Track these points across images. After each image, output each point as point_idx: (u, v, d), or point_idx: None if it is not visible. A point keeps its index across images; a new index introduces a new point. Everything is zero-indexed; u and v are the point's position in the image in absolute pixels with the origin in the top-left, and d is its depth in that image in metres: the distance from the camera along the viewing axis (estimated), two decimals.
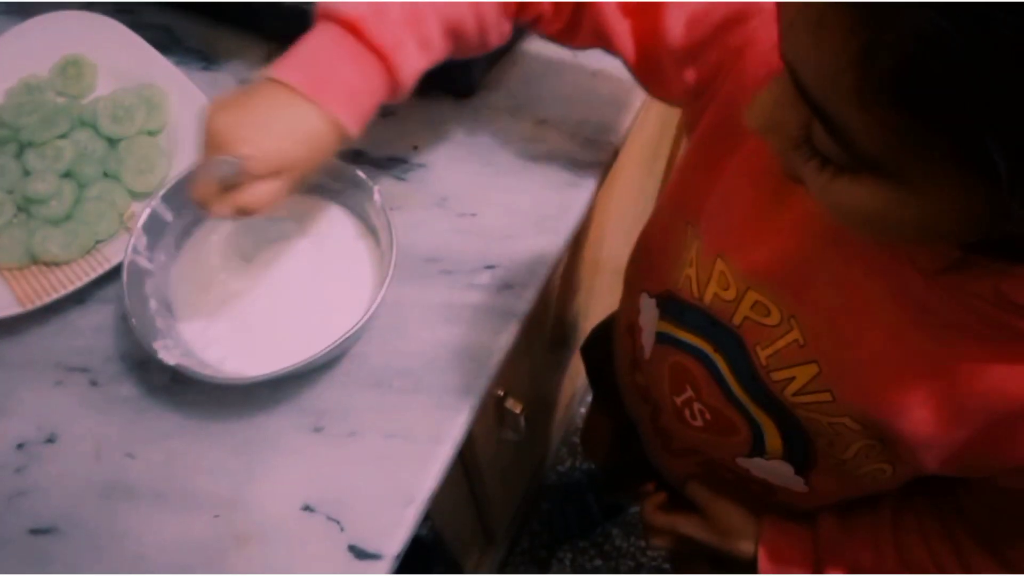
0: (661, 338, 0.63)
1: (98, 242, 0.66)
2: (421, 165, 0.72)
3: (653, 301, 0.63)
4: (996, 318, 0.39)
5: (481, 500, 1.04)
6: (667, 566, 1.44)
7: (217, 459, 0.60)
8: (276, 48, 0.78)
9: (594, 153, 0.71)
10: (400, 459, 0.59)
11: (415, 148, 0.72)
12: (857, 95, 0.30)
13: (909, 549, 0.58)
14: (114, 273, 0.63)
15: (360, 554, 0.56)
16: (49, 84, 0.73)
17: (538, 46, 0.78)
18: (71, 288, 0.63)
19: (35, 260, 0.65)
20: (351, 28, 0.53)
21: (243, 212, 0.53)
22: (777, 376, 0.52)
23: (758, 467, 0.61)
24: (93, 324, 0.65)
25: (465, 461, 0.85)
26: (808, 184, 0.38)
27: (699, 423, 0.63)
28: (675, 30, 0.54)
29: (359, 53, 0.53)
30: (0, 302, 0.62)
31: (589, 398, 1.53)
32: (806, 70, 0.33)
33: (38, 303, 0.62)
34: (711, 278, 0.54)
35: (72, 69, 0.74)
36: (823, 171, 0.36)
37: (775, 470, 0.59)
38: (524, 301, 0.64)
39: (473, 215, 0.69)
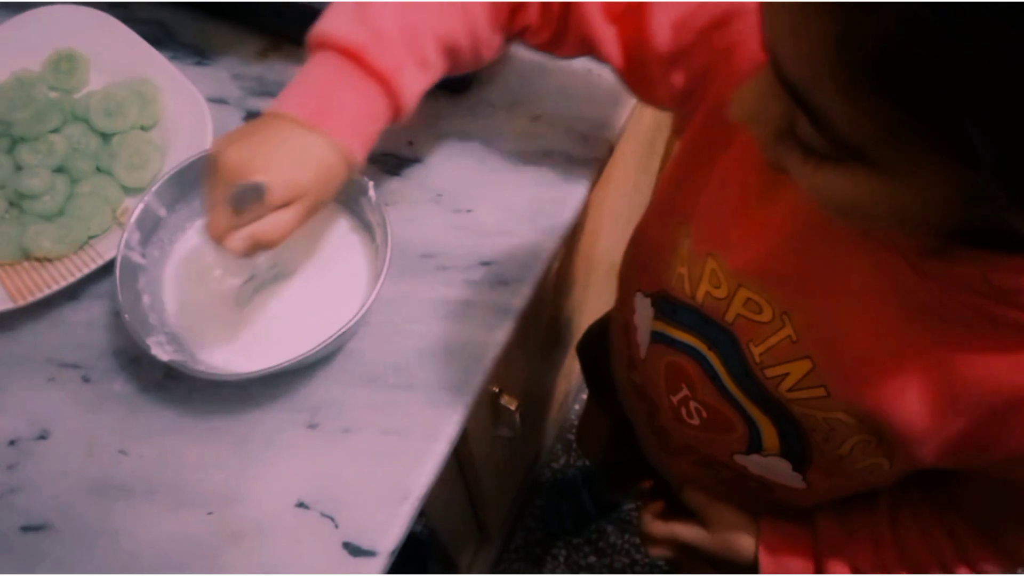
0: (656, 337, 0.63)
1: (91, 237, 0.66)
2: (416, 161, 0.71)
3: (648, 300, 0.63)
4: (986, 308, 0.40)
5: (476, 496, 1.04)
6: (662, 563, 1.44)
7: (211, 456, 0.59)
8: (270, 43, 0.78)
9: (590, 149, 0.71)
10: (395, 456, 0.59)
11: (410, 144, 0.72)
12: (837, 82, 0.30)
13: (908, 543, 0.58)
14: (107, 269, 0.63)
15: (355, 551, 0.56)
16: (41, 79, 0.73)
17: None
18: (64, 284, 0.63)
19: (27, 256, 0.65)
20: (351, 55, 0.53)
21: (261, 245, 0.52)
22: (771, 373, 0.52)
23: (756, 464, 0.61)
24: (86, 320, 0.65)
25: (460, 457, 0.85)
26: (793, 174, 0.38)
27: (696, 421, 0.63)
28: (661, 35, 0.54)
29: (361, 80, 0.53)
30: None
31: (584, 395, 1.53)
32: (787, 58, 0.33)
33: (30, 299, 0.62)
34: (703, 276, 0.54)
35: (65, 64, 0.73)
36: (807, 161, 0.36)
37: (772, 467, 0.59)
38: (519, 297, 0.64)
39: (468, 211, 0.69)
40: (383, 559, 0.55)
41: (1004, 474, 0.49)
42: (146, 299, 0.60)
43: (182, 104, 0.70)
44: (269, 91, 0.75)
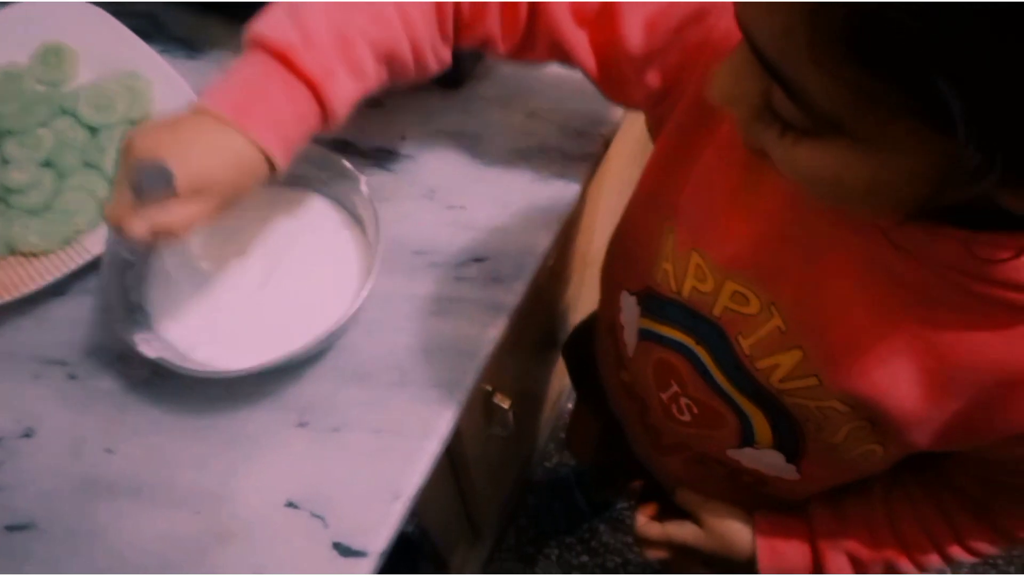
0: (643, 335, 0.62)
1: (78, 233, 0.65)
2: (409, 156, 0.71)
3: (634, 299, 0.63)
4: (970, 287, 0.40)
5: (468, 496, 1.04)
6: (655, 563, 1.44)
7: (199, 454, 0.59)
8: None
9: (585, 145, 0.71)
10: (386, 455, 0.58)
11: (403, 139, 0.71)
12: (811, 51, 0.31)
13: (902, 525, 0.59)
14: (94, 264, 0.62)
15: (345, 551, 0.55)
16: (29, 72, 0.72)
17: None
18: (50, 279, 0.62)
19: (13, 251, 0.64)
20: (280, 57, 0.52)
21: (163, 234, 0.50)
22: (761, 364, 0.52)
23: (749, 457, 0.60)
24: (72, 316, 0.64)
25: (452, 456, 0.84)
26: (771, 153, 0.38)
27: (687, 418, 0.62)
28: (633, 36, 0.53)
29: (288, 82, 0.52)
30: None
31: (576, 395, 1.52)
32: (760, 32, 0.33)
33: (16, 294, 0.61)
34: (688, 272, 0.54)
35: (53, 57, 0.72)
36: (784, 137, 0.36)
37: (766, 459, 0.59)
38: (513, 295, 0.64)
39: (462, 207, 0.68)
40: (373, 560, 0.55)
41: (998, 454, 0.49)
42: (133, 295, 0.59)
43: (172, 98, 0.69)
44: None
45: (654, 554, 0.73)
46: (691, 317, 0.55)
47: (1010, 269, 0.38)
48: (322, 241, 0.63)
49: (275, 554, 0.55)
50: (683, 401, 0.61)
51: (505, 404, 0.77)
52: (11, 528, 0.57)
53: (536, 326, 0.93)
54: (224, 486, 0.57)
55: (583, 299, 1.14)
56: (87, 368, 0.62)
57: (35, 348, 0.63)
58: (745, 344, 0.52)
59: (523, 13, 0.57)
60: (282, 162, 0.53)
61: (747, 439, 0.58)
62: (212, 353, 0.59)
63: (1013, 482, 0.52)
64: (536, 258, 0.65)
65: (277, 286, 0.62)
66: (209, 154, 0.50)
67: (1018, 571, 1.36)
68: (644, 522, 0.73)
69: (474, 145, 0.71)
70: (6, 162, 0.66)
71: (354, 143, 0.71)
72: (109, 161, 0.67)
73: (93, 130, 0.69)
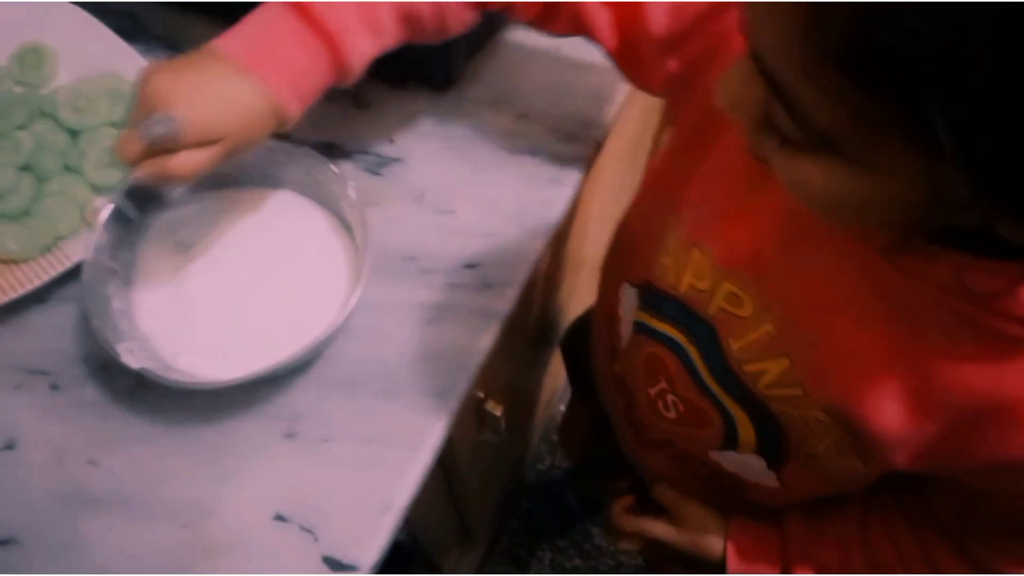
0: (638, 328, 0.62)
1: (58, 239, 0.63)
2: (397, 160, 0.69)
3: (634, 291, 0.62)
4: (965, 313, 0.39)
5: (460, 501, 1.03)
6: (642, 563, 1.43)
7: (184, 466, 0.57)
8: None
9: (576, 148, 0.70)
10: (377, 466, 0.57)
11: (392, 142, 0.70)
12: (806, 67, 0.31)
13: (876, 550, 0.58)
14: (75, 272, 0.60)
15: (335, 565, 0.54)
16: (7, 73, 0.70)
17: (519, 37, 0.76)
18: (30, 287, 0.60)
19: None
20: (297, 7, 0.52)
21: (167, 177, 0.50)
22: (749, 368, 0.51)
23: (730, 461, 0.60)
24: (54, 325, 0.62)
25: (444, 464, 0.83)
26: (771, 163, 0.38)
27: (672, 415, 0.62)
28: (657, 19, 0.53)
29: (304, 33, 0.52)
30: None
31: (569, 395, 1.51)
32: (760, 43, 0.33)
33: None
34: (687, 268, 0.53)
35: (31, 57, 0.71)
36: (782, 149, 0.36)
37: (747, 464, 0.59)
38: (505, 301, 0.63)
39: (452, 212, 0.67)
40: (365, 573, 0.54)
41: (975, 483, 0.48)
42: (116, 304, 0.58)
43: None
44: None
45: (625, 545, 0.73)
46: (686, 314, 0.55)
47: (1006, 300, 0.38)
48: (309, 247, 0.62)
49: (264, 569, 0.54)
50: (670, 398, 0.61)
51: (497, 411, 0.76)
52: None
53: (528, 329, 0.92)
54: (211, 499, 0.56)
55: (576, 300, 1.13)
56: (70, 378, 0.61)
57: (16, 358, 0.61)
58: (735, 346, 0.52)
59: None
60: (295, 113, 0.53)
61: (730, 441, 0.58)
62: (198, 362, 0.58)
63: (989, 514, 0.52)
64: (528, 264, 0.64)
65: (264, 294, 0.60)
66: (220, 102, 0.50)
67: None
68: (619, 513, 0.73)
69: (464, 148, 0.70)
70: None
71: (341, 146, 0.70)
72: (90, 165, 0.66)
73: (73, 133, 0.67)
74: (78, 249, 0.62)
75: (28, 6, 0.71)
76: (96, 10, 0.71)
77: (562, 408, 1.56)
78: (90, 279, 0.56)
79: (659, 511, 0.70)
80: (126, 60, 0.69)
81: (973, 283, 0.38)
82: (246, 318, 0.59)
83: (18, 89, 0.69)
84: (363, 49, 0.54)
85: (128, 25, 0.76)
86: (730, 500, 0.65)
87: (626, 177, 1.08)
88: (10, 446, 0.58)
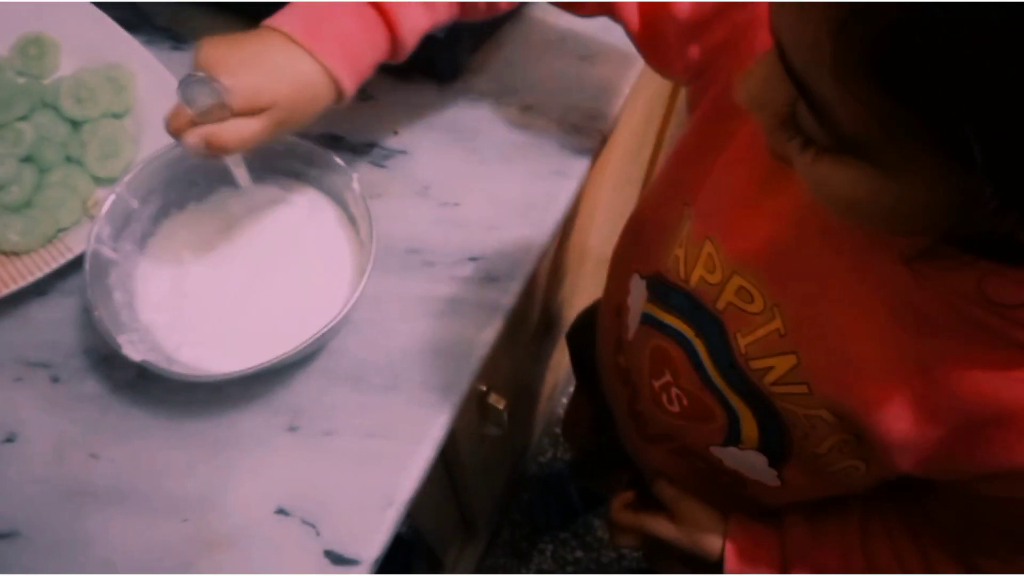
0: (645, 319, 0.62)
1: (60, 230, 0.63)
2: (402, 152, 0.69)
3: (644, 282, 0.62)
4: (979, 319, 0.39)
5: (461, 494, 1.03)
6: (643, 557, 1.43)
7: (186, 460, 0.57)
8: (248, 26, 0.74)
9: (582, 141, 0.69)
10: (379, 460, 0.56)
11: (396, 134, 0.70)
12: (835, 69, 0.30)
13: (875, 554, 0.58)
14: (77, 263, 0.60)
15: (337, 559, 0.53)
16: (9, 64, 0.70)
17: (525, 29, 0.75)
18: (31, 279, 0.60)
19: None
20: None
21: (215, 147, 0.50)
22: (756, 365, 0.51)
23: (731, 457, 0.60)
24: (55, 317, 0.62)
25: (446, 457, 0.83)
26: (793, 164, 0.37)
27: (676, 408, 0.62)
28: (682, 3, 0.53)
29: (359, 7, 0.52)
30: None
31: (571, 388, 1.51)
32: (790, 42, 0.33)
33: None
34: (698, 260, 0.53)
35: (33, 48, 0.70)
36: (806, 151, 0.36)
37: (748, 461, 0.58)
38: (509, 294, 0.62)
39: (456, 204, 0.66)
40: (367, 568, 0.53)
41: (978, 490, 0.48)
42: (118, 295, 0.58)
43: (156, 91, 0.67)
44: None
45: (624, 541, 0.73)
46: (694, 307, 0.55)
47: (1019, 308, 0.37)
48: (313, 239, 0.61)
49: (265, 562, 0.54)
50: (674, 391, 0.61)
51: (500, 405, 0.76)
52: None
53: (531, 323, 0.92)
54: (213, 492, 0.56)
55: (580, 293, 1.13)
56: (71, 370, 0.60)
57: (17, 350, 0.61)
58: (743, 342, 0.51)
59: None
60: (350, 87, 0.53)
61: (732, 438, 0.58)
62: (200, 355, 0.58)
63: (993, 523, 0.51)
64: (532, 257, 0.64)
65: (267, 286, 0.60)
66: (269, 72, 0.50)
67: None
68: (618, 508, 0.72)
69: (469, 140, 0.69)
70: None
71: (345, 138, 0.69)
72: (91, 156, 0.65)
73: (75, 124, 0.67)
74: (80, 240, 0.61)
75: None
76: (99, 1, 0.71)
77: (564, 401, 1.55)
78: (91, 270, 0.56)
79: (659, 508, 0.70)
80: (128, 50, 0.69)
81: (994, 293, 0.37)
82: (248, 311, 0.59)
83: (20, 80, 0.69)
84: (418, 23, 0.54)
85: (131, 15, 0.75)
86: (729, 497, 0.65)
87: (631, 170, 1.08)
88: (11, 439, 0.58)
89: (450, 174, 0.68)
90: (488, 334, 0.61)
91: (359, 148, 0.69)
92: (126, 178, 0.58)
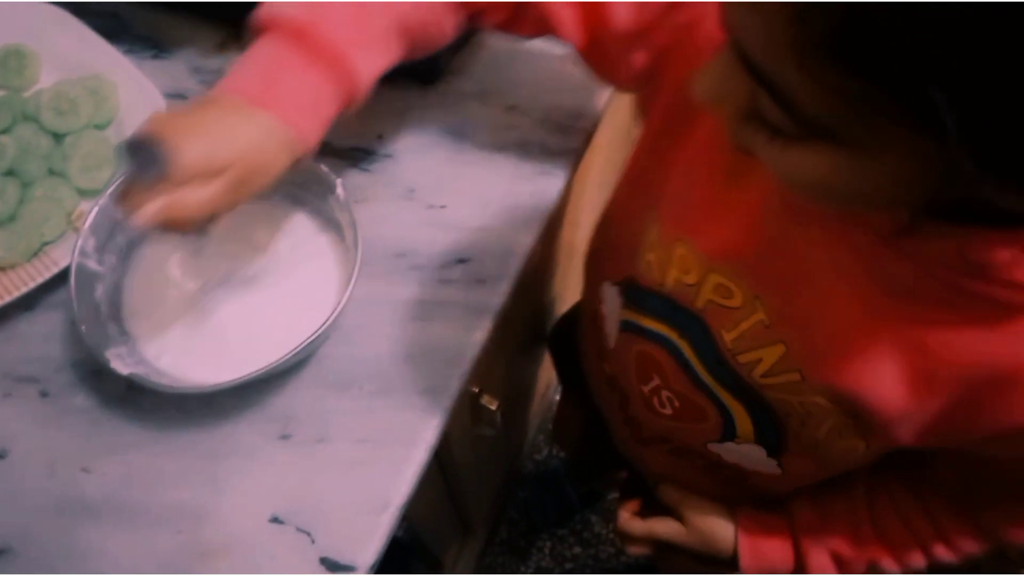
0: (625, 326, 0.61)
1: (45, 244, 0.63)
2: (386, 155, 0.69)
3: (616, 289, 0.62)
4: (961, 285, 0.39)
5: (457, 495, 1.03)
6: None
7: (179, 471, 0.57)
8: (230, 34, 0.75)
9: (566, 139, 0.69)
10: (372, 465, 0.56)
11: (379, 137, 0.70)
12: (796, 58, 0.30)
13: (886, 524, 0.58)
14: (63, 277, 0.60)
15: (333, 567, 0.53)
16: None
17: None
18: (17, 294, 0.60)
19: None
20: (299, 35, 0.50)
21: (176, 219, 0.47)
22: (743, 359, 0.51)
23: (730, 452, 0.60)
24: (42, 331, 0.62)
25: (441, 459, 0.82)
26: (760, 155, 0.37)
27: (668, 411, 0.62)
28: (621, 14, 0.53)
29: (309, 61, 0.51)
30: None
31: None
32: (746, 36, 0.33)
33: None
34: (671, 262, 0.53)
35: (13, 60, 0.70)
36: (773, 141, 0.35)
37: (747, 454, 0.58)
38: (498, 295, 0.62)
39: (442, 207, 0.66)
40: (363, 574, 0.53)
41: (981, 452, 0.48)
42: (104, 309, 0.57)
43: (138, 100, 0.67)
44: None
45: (636, 550, 0.73)
46: (673, 309, 0.54)
47: (1007, 269, 0.37)
48: (299, 247, 0.61)
49: (261, 571, 0.54)
50: (664, 394, 0.61)
51: (493, 405, 0.76)
52: None
53: (522, 322, 0.92)
54: (206, 503, 0.56)
55: (569, 292, 1.13)
56: (60, 385, 0.60)
57: (5, 365, 0.61)
58: (728, 338, 0.51)
59: None
60: (312, 144, 0.52)
61: (728, 434, 0.58)
62: (189, 366, 0.58)
63: (995, 480, 0.52)
64: (520, 257, 0.64)
65: (254, 295, 0.60)
66: (220, 138, 0.48)
67: None
68: (627, 518, 0.72)
69: (453, 142, 0.69)
70: None
71: (328, 142, 0.69)
72: (74, 168, 0.65)
73: (57, 136, 0.67)
74: (65, 254, 0.61)
75: (7, 7, 0.70)
76: (77, 10, 0.70)
77: (558, 399, 1.55)
78: (77, 284, 0.56)
79: (664, 512, 0.70)
80: (109, 60, 0.68)
81: (976, 255, 0.37)
82: (237, 320, 0.59)
83: (0, 93, 0.68)
84: (370, 69, 0.53)
85: (111, 25, 0.75)
86: (732, 489, 0.65)
87: (617, 167, 1.07)
88: (1, 455, 0.58)
89: (435, 176, 0.68)
90: (478, 335, 0.61)
91: (343, 153, 0.69)
92: (110, 190, 0.58)
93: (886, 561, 0.59)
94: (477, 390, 0.75)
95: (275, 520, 0.55)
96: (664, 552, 0.71)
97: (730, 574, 0.65)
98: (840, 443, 0.51)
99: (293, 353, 0.53)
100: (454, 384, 0.59)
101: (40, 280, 0.60)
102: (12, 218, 0.63)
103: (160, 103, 0.66)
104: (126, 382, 0.58)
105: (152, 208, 0.46)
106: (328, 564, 0.54)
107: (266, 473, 0.57)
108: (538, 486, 1.48)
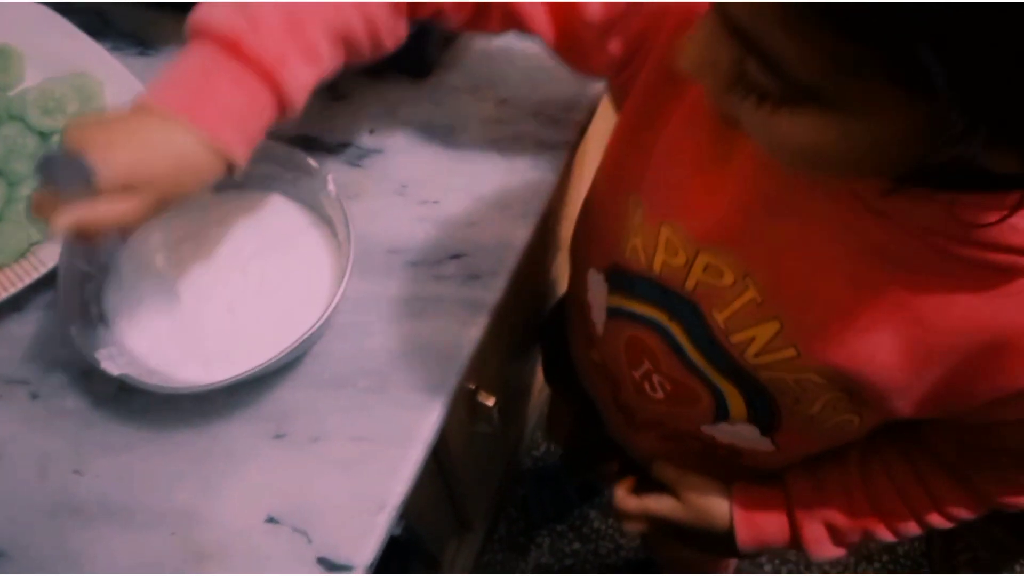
0: (613, 312, 0.61)
1: (32, 244, 0.62)
2: (378, 151, 0.68)
3: (601, 276, 0.62)
4: (952, 251, 0.39)
5: (455, 492, 1.02)
6: (643, 545, 1.43)
7: (172, 472, 0.56)
8: None
9: (559, 132, 0.69)
10: (369, 463, 0.56)
11: (371, 132, 0.69)
12: (785, 19, 0.30)
13: (880, 493, 0.59)
14: (51, 277, 0.59)
15: (330, 567, 0.53)
16: None
17: None
18: (5, 295, 0.59)
19: None
20: (228, 45, 0.48)
21: (82, 231, 0.46)
22: (736, 339, 0.51)
23: (723, 432, 0.60)
24: (31, 333, 0.61)
25: (438, 456, 0.82)
26: (747, 124, 0.37)
27: (660, 395, 0.62)
28: (593, 5, 0.52)
29: (238, 71, 0.48)
30: None
31: None
32: (733, 4, 0.33)
33: None
34: (658, 246, 0.53)
35: None
36: (760, 108, 0.35)
37: (741, 433, 0.59)
38: (493, 291, 0.62)
39: (435, 202, 0.65)
40: (360, 574, 0.53)
41: (977, 419, 0.48)
42: (93, 309, 0.57)
43: (125, 98, 0.65)
44: None
45: (632, 527, 0.73)
46: (662, 293, 0.54)
47: (993, 231, 0.37)
48: (290, 244, 0.60)
49: (257, 572, 0.53)
50: (656, 379, 0.61)
51: (490, 402, 0.75)
52: None
53: (518, 317, 0.91)
54: (200, 504, 0.55)
55: (564, 285, 1.12)
56: (50, 386, 0.59)
57: None
58: (720, 318, 0.51)
59: None
60: (240, 158, 0.50)
61: (721, 415, 0.58)
62: (180, 365, 0.57)
63: (990, 445, 0.52)
64: (515, 252, 0.63)
65: (246, 293, 0.59)
66: (143, 150, 0.46)
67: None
68: (622, 495, 0.72)
69: (445, 136, 0.69)
70: None
71: (319, 139, 0.68)
72: None
73: (43, 135, 0.66)
74: (53, 254, 0.60)
75: None
76: (62, 8, 0.69)
77: (547, 406, 1.55)
78: (65, 284, 0.55)
79: (660, 490, 0.70)
80: (94, 58, 0.67)
81: (966, 217, 0.37)
82: (228, 319, 0.58)
83: None
84: (303, 81, 0.51)
85: (95, 22, 0.74)
86: (727, 468, 0.65)
87: None
88: None
89: (428, 172, 0.67)
90: (474, 332, 0.60)
91: (334, 148, 0.68)
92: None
93: (880, 530, 0.59)
94: (473, 387, 0.75)
95: (271, 520, 0.54)
96: (659, 530, 0.71)
97: (726, 549, 0.65)
98: (834, 418, 0.51)
99: (286, 352, 0.53)
100: (451, 381, 0.58)
101: (28, 281, 0.59)
102: None
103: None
104: (117, 383, 0.58)
105: (66, 219, 0.45)
106: (325, 564, 0.53)
107: (261, 473, 0.56)
108: (536, 482, 1.47)
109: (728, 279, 0.49)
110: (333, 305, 0.54)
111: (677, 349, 0.56)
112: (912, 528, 0.59)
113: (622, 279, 0.58)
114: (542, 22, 0.55)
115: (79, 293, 0.56)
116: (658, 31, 0.50)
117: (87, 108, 0.66)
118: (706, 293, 0.51)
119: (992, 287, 0.40)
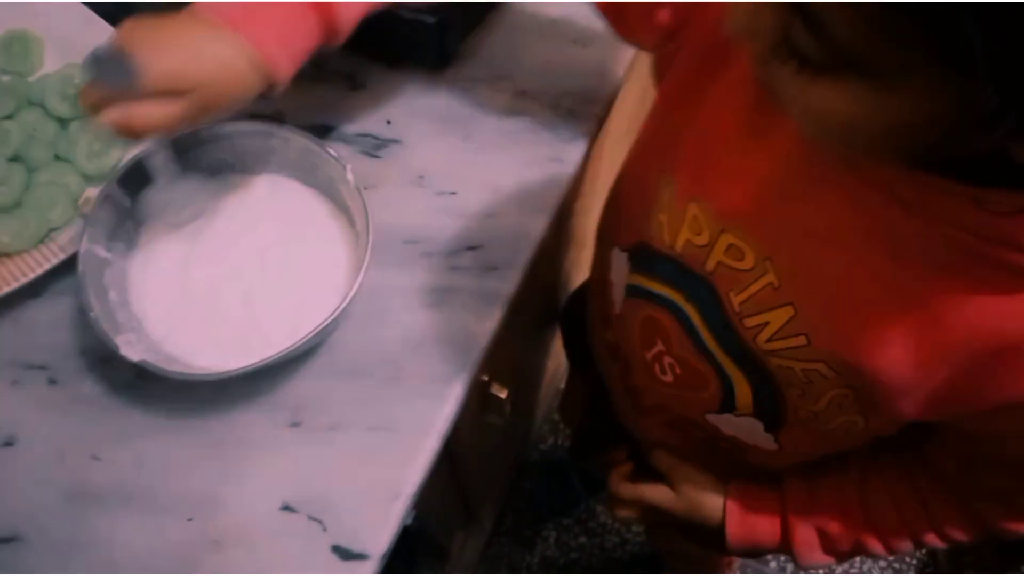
0: (632, 291, 0.61)
1: (52, 230, 0.62)
2: (396, 141, 0.68)
3: (625, 255, 0.62)
4: (975, 248, 0.39)
5: (464, 483, 1.02)
6: (648, 540, 1.44)
7: (189, 459, 0.56)
8: None
9: (577, 125, 0.68)
10: (384, 453, 0.56)
11: (389, 123, 0.69)
12: None
13: (878, 510, 0.58)
14: (71, 263, 0.59)
15: (345, 555, 0.53)
16: None
17: (514, 14, 0.74)
18: (24, 280, 0.59)
19: None
20: None
21: (127, 129, 0.48)
22: (750, 322, 0.51)
23: (727, 423, 0.60)
24: (50, 318, 0.61)
25: (449, 448, 0.82)
26: (784, 92, 0.37)
27: (669, 378, 0.62)
28: None
29: None
30: None
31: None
32: None
33: None
34: (683, 223, 0.53)
35: (17, 45, 0.69)
36: (800, 74, 0.35)
37: (745, 426, 0.59)
38: (509, 283, 0.62)
39: (453, 193, 0.65)
40: (375, 562, 0.53)
41: (983, 427, 0.48)
42: (113, 295, 0.57)
43: None
44: None
45: (624, 513, 0.73)
46: (683, 273, 0.54)
47: (1017, 231, 0.37)
48: (308, 233, 0.61)
49: (272, 559, 0.53)
50: (666, 360, 0.61)
51: (503, 394, 0.75)
52: None
53: (532, 309, 0.91)
54: (217, 491, 0.55)
55: (580, 279, 1.12)
56: (68, 372, 0.60)
57: (13, 353, 0.60)
58: (736, 300, 0.51)
59: None
60: (285, 72, 0.51)
61: (727, 404, 0.58)
62: (199, 353, 0.57)
63: (991, 459, 0.52)
64: (531, 244, 0.63)
65: (263, 282, 0.59)
66: (192, 54, 0.48)
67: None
68: (617, 481, 0.72)
69: (463, 128, 0.68)
70: None
71: (337, 128, 0.68)
72: (81, 154, 0.64)
73: (62, 121, 0.66)
74: (72, 240, 0.61)
75: None
76: None
77: (563, 387, 1.55)
78: (85, 270, 0.55)
79: (657, 479, 0.70)
80: None
81: (995, 204, 0.37)
82: (246, 307, 0.58)
83: (4, 78, 0.68)
84: (353, 9, 0.52)
85: (114, 9, 0.74)
86: (728, 463, 0.65)
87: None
88: (10, 443, 0.57)
89: (445, 163, 0.67)
90: (489, 324, 0.60)
91: (351, 138, 0.68)
92: (117, 175, 0.58)
93: (872, 544, 0.59)
94: (487, 378, 0.75)
95: (286, 508, 0.55)
96: (652, 519, 0.71)
97: (716, 545, 0.65)
98: (839, 417, 0.51)
99: (304, 340, 0.53)
100: (466, 372, 0.58)
101: (48, 266, 0.60)
102: (18, 204, 0.62)
103: None
104: (136, 369, 0.58)
105: (112, 114, 0.47)
106: (340, 552, 0.53)
107: (277, 461, 0.56)
108: (544, 475, 1.48)
109: (748, 261, 0.49)
110: (351, 295, 0.54)
111: (691, 331, 0.56)
112: (906, 545, 0.58)
113: (644, 258, 0.58)
114: None
115: (99, 279, 0.56)
116: (707, 5, 0.50)
117: None
118: (725, 275, 0.51)
119: (1011, 291, 0.40)
